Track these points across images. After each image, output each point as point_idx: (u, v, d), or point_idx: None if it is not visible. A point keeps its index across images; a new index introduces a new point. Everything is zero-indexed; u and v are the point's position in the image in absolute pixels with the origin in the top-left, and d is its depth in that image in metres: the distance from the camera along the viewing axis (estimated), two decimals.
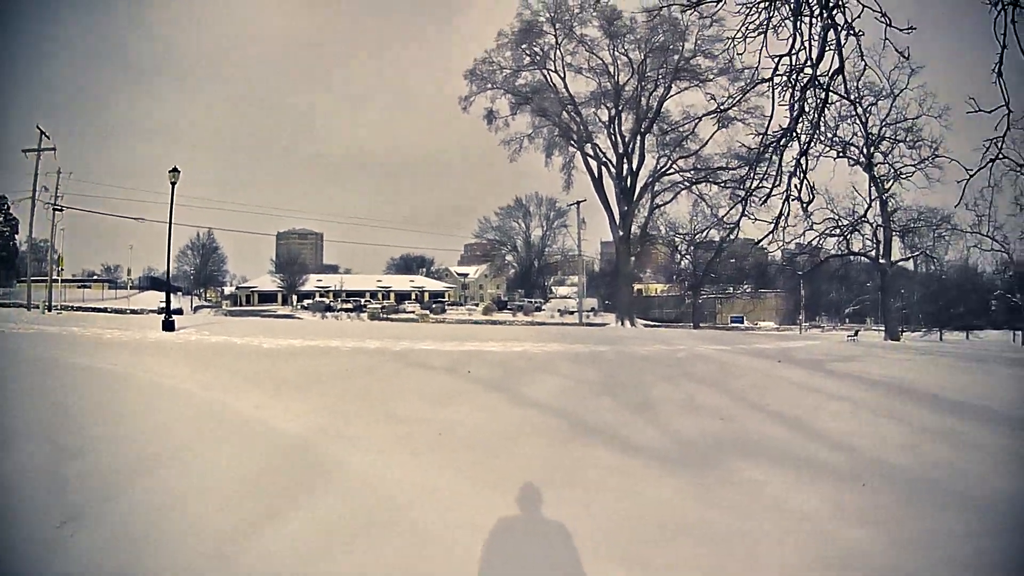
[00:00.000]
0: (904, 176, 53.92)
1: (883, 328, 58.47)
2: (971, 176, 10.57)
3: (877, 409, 14.80)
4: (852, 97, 12.71)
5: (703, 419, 13.14)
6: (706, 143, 61.72)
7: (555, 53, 62.05)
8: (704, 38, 57.78)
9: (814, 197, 12.46)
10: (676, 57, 59.83)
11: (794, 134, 12.61)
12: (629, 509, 8.04)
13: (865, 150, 53.98)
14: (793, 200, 13.13)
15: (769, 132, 12.55)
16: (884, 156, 55.14)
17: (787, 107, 12.44)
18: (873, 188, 54.74)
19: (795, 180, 13.20)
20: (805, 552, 6.82)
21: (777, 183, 13.35)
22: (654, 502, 8.30)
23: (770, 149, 12.76)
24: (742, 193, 13.67)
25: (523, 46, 62.44)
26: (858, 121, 54.61)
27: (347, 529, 7.05)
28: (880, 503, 8.49)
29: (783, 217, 13.45)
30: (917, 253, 63.28)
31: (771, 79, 12.82)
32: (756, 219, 14.06)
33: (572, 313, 69.79)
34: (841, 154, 48.50)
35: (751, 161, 14.01)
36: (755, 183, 13.40)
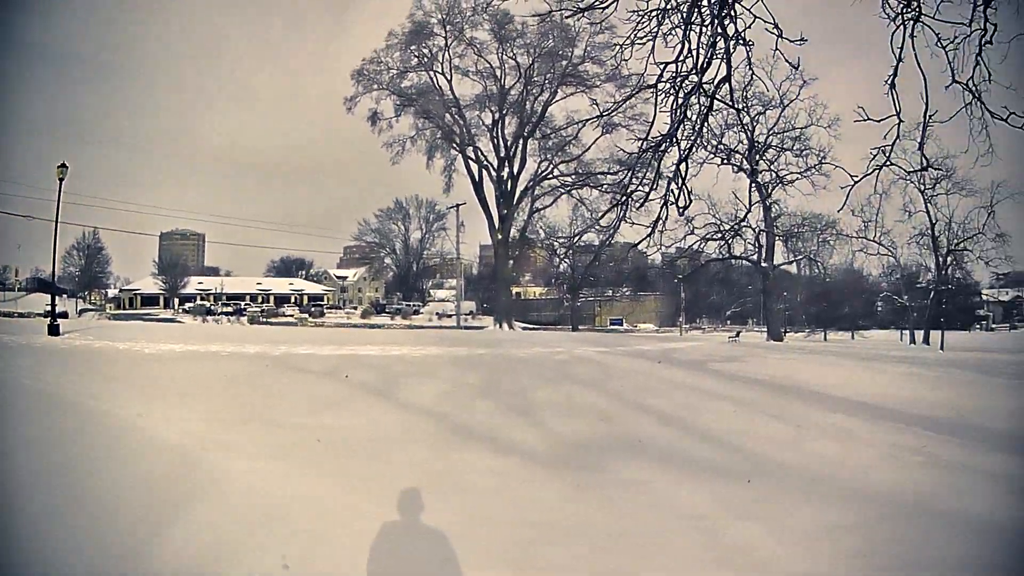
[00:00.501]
0: (789, 183, 56.45)
1: (765, 329, 60.65)
2: (855, 183, 11.04)
3: (760, 407, 15.21)
4: (738, 106, 13.23)
5: (584, 421, 13.26)
6: (588, 148, 62.65)
7: (443, 55, 62.01)
8: (594, 44, 58.55)
9: (691, 202, 12.83)
10: (564, 63, 60.68)
11: (674, 140, 13.09)
12: (511, 511, 7.94)
13: (750, 157, 56.19)
14: (671, 204, 13.64)
15: (650, 138, 12.97)
16: (770, 164, 57.53)
17: (668, 113, 12.92)
18: (756, 194, 57.06)
19: (674, 185, 13.70)
20: (691, 549, 6.84)
21: (654, 187, 13.79)
22: (536, 504, 8.19)
23: (649, 154, 13.18)
24: (623, 198, 14.01)
25: (412, 47, 62.19)
26: (744, 129, 57.15)
27: (231, 539, 6.83)
28: (765, 498, 8.62)
29: (661, 221, 13.82)
30: (800, 257, 66.36)
31: (655, 85, 13.28)
32: (634, 223, 14.45)
33: (450, 316, 69.79)
34: (725, 161, 50.39)
35: (630, 166, 14.39)
36: (634, 187, 13.80)
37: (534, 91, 62.23)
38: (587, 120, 59.93)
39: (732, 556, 6.65)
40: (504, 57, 62.33)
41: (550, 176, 63.73)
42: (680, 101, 12.34)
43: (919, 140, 12.00)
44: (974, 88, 13.63)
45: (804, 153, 56.45)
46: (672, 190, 13.13)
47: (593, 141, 63.00)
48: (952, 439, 12.24)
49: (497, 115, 63.25)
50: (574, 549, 6.90)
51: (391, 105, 64.19)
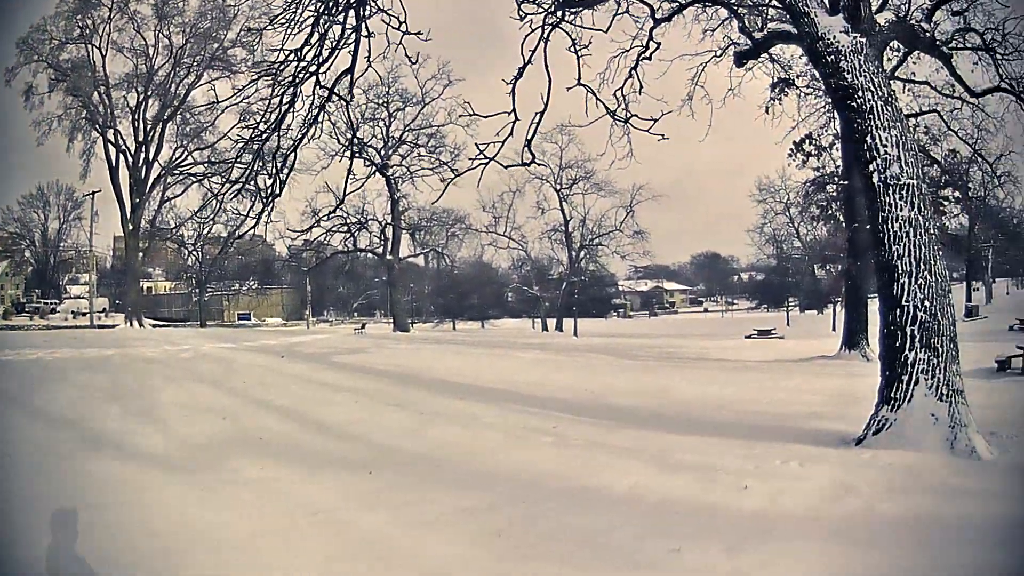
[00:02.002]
0: (420, 178, 58.72)
1: (392, 321, 62.51)
2: (456, 175, 12.05)
3: (382, 397, 15.60)
4: (349, 99, 13.69)
5: (207, 420, 13.10)
6: (223, 136, 60.66)
7: (105, 28, 56.72)
8: (248, 29, 56.69)
9: (280, 193, 13.41)
10: (216, 46, 58.09)
11: (285, 129, 12.98)
12: (135, 522, 7.39)
13: (383, 152, 57.74)
14: (275, 196, 13.90)
15: (264, 126, 13.17)
16: (402, 159, 59.44)
17: (278, 101, 13.17)
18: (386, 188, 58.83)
19: (280, 176, 13.95)
20: (321, 544, 6.72)
21: (251, 175, 14.03)
22: (162, 510, 7.88)
23: (256, 144, 13.37)
24: (253, 188, 14.13)
25: (78, 17, 56.17)
26: (381, 124, 58.45)
27: None
28: (391, 487, 8.64)
29: (267, 212, 14.08)
30: (428, 250, 69.22)
31: (275, 73, 13.53)
32: (246, 215, 14.55)
33: (85, 314, 64.54)
34: (357, 154, 51.22)
35: (238, 154, 14.49)
36: (251, 175, 13.96)
37: (181, 72, 58.97)
38: (214, 103, 57.58)
39: (362, 548, 6.58)
40: (160, 35, 58.46)
41: (184, 164, 60.70)
42: (293, 90, 12.69)
43: (527, 138, 13.35)
44: (623, 97, 15.45)
45: (438, 150, 58.64)
46: (279, 178, 13.61)
47: (229, 128, 61.03)
48: (582, 418, 13.01)
49: (142, 96, 59.11)
50: (202, 557, 6.55)
51: (47, 79, 57.77)
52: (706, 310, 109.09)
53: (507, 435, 11.61)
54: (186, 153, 60.16)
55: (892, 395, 10.09)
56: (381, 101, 58.26)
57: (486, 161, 13.03)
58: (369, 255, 65.90)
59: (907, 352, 9.99)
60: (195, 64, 59.03)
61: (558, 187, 69.56)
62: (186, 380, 18.55)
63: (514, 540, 6.62)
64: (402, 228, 61.33)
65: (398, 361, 23.01)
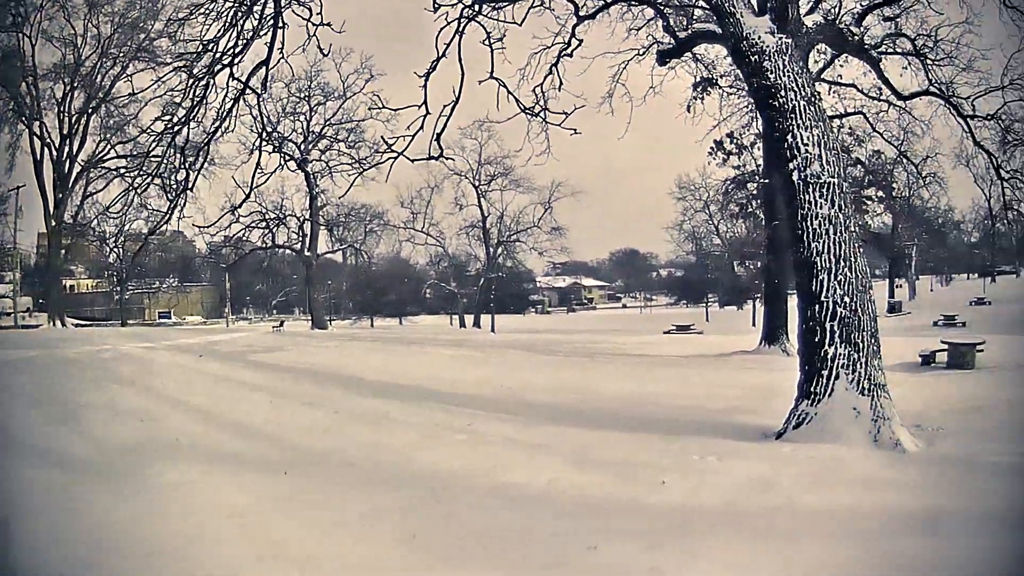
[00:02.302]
0: (338, 173, 58.21)
1: (310, 318, 61.99)
2: (363, 170, 11.96)
3: (297, 396, 15.50)
4: (260, 91, 13.54)
5: (126, 423, 12.75)
6: (145, 130, 59.07)
7: (36, 16, 54.70)
8: (177, 20, 55.03)
9: (191, 186, 13.29)
10: (143, 36, 56.56)
11: (196, 122, 12.88)
12: (53, 528, 7.23)
13: (302, 147, 57.13)
14: (187, 190, 13.75)
15: (174, 120, 12.97)
16: (321, 153, 58.91)
17: (198, 95, 12.93)
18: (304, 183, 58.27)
19: (192, 170, 13.78)
20: (238, 549, 6.59)
21: (164, 169, 13.78)
22: (82, 519, 7.92)
23: (168, 137, 13.18)
24: (175, 185, 13.88)
25: (10, 4, 54.05)
26: (301, 118, 57.83)
27: None
28: (306, 489, 8.52)
29: (179, 207, 13.93)
30: (345, 246, 68.81)
31: (190, 66, 13.23)
32: (167, 211, 14.40)
33: (9, 314, 62.49)
34: (277, 149, 50.66)
35: (150, 148, 14.23)
36: (165, 170, 13.74)
37: (108, 63, 57.30)
38: (132, 95, 56.08)
39: (278, 552, 6.50)
40: (89, 24, 56.69)
41: (107, 157, 59.10)
42: (206, 82, 12.52)
43: (437, 131, 13.22)
44: (542, 93, 15.50)
45: (357, 145, 58.30)
46: (190, 172, 13.41)
47: (153, 122, 59.47)
48: (499, 415, 13.02)
49: (68, 88, 57.33)
50: (120, 563, 6.39)
51: None
52: (624, 306, 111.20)
53: (422, 433, 11.56)
54: (109, 147, 58.69)
55: (812, 389, 10.29)
56: (303, 95, 58.07)
57: (395, 156, 12.99)
58: (287, 252, 65.43)
59: (827, 347, 10.20)
60: (121, 55, 57.66)
61: (477, 183, 70.19)
62: (106, 381, 18.07)
63: (430, 541, 6.57)
64: (320, 224, 60.99)
65: (315, 359, 22.89)
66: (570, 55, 15.23)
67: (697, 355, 26.58)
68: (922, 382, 16.47)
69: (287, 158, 53.83)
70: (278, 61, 12.47)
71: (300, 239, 61.55)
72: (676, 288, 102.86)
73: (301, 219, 61.15)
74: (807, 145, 10.58)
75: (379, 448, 10.68)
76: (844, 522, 6.72)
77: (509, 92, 13.57)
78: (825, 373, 10.18)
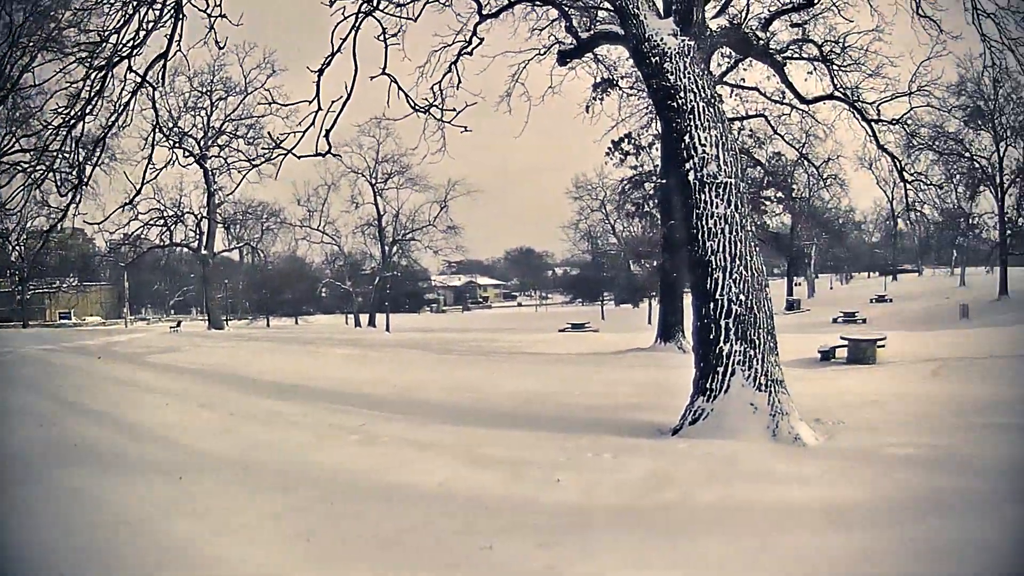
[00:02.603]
0: (236, 170, 57.05)
1: (207, 318, 60.80)
2: (254, 164, 11.85)
3: (193, 397, 15.35)
4: (156, 84, 13.23)
5: (25, 427, 12.44)
6: (45, 123, 56.94)
7: None
8: (84, 8, 53.18)
9: (85, 182, 13.04)
10: (53, 25, 54.44)
11: (90, 115, 12.68)
12: None
13: (202, 143, 55.94)
14: (82, 185, 13.41)
15: (72, 114, 12.68)
16: (221, 149, 57.75)
17: (95, 88, 12.63)
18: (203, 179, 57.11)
19: (88, 166, 13.49)
20: (135, 555, 6.46)
21: (56, 164, 13.47)
22: None
23: (63, 132, 12.85)
24: (72, 179, 13.56)
25: None
26: (202, 113, 56.55)
27: None
28: (202, 492, 8.39)
29: (75, 203, 13.61)
30: (242, 244, 67.65)
31: (90, 57, 12.89)
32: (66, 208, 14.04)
33: None
34: (177, 144, 49.52)
35: (47, 142, 13.89)
36: (58, 164, 13.39)
37: (17, 53, 55.00)
38: (34, 86, 54.02)
39: (173, 558, 6.40)
40: (2, 12, 54.29)
41: (11, 151, 56.90)
42: (103, 74, 12.23)
43: (327, 128, 12.97)
44: (440, 91, 15.38)
45: (256, 141, 57.09)
46: (83, 167, 13.09)
47: (50, 114, 57.46)
48: (392, 415, 13.00)
49: None
50: (24, 572, 6.35)
51: None
52: (520, 305, 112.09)
53: (317, 434, 11.49)
54: (13, 140, 56.58)
55: (708, 386, 10.46)
56: (205, 89, 56.81)
57: (284, 153, 12.82)
58: (185, 250, 64.04)
59: (722, 344, 10.38)
60: (31, 44, 55.61)
61: (373, 181, 69.67)
62: (5, 385, 17.97)
63: (324, 543, 6.53)
64: (217, 222, 59.71)
65: (211, 360, 22.64)
66: (470, 54, 15.28)
67: (593, 353, 26.85)
68: (822, 377, 16.96)
69: (186, 153, 52.60)
70: (175, 53, 12.22)
71: (197, 237, 60.42)
72: (572, 287, 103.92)
73: (199, 216, 60.11)
74: (704, 146, 10.77)
75: (274, 449, 10.58)
76: (744, 516, 6.81)
77: (400, 88, 13.44)
78: (721, 370, 10.36)
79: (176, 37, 11.87)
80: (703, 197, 10.66)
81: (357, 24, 12.33)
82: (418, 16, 13.55)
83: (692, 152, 10.79)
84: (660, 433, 10.72)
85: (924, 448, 9.54)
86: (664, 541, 6.26)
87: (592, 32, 15.23)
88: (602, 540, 6.29)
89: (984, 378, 16.77)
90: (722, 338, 10.39)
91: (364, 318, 72.65)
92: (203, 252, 58.61)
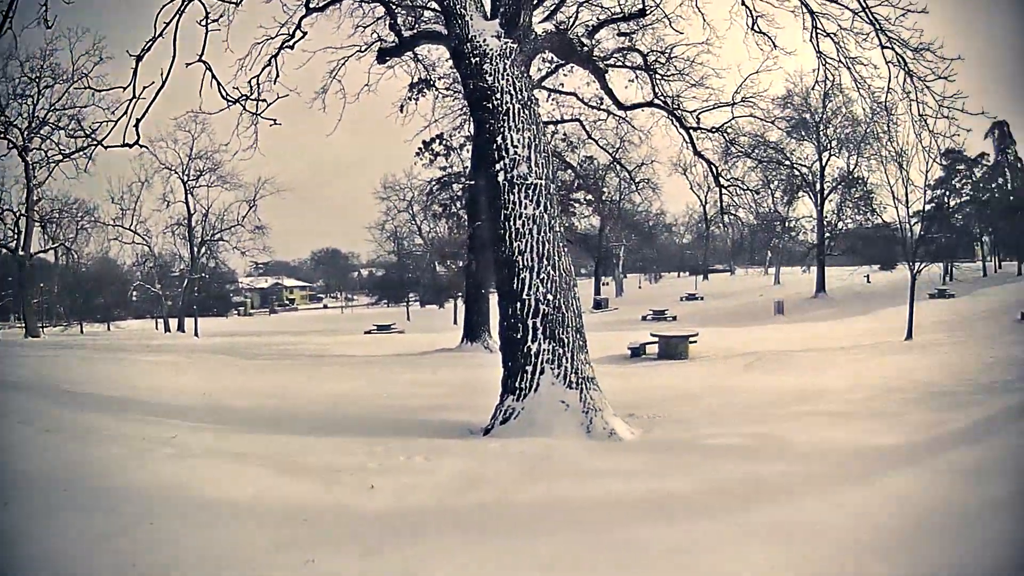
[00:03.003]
0: (55, 163, 53.54)
1: (24, 325, 56.87)
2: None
3: (14, 413, 14.10)
4: None
5: None
6: None
7: None
8: None
9: None
10: None
11: None
12: None
13: (26, 133, 52.19)
14: None
15: None
16: (43, 141, 53.95)
17: None
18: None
19: None
20: None
21: None
22: None
23: None
24: None
25: None
26: (29, 101, 52.72)
27: None
28: (21, 518, 7.52)
29: None
30: (57, 244, 63.67)
31: None
32: None
33: None
34: (3, 135, 46.94)
35: None
36: None
37: None
38: None
39: None
40: None
41: None
42: None
43: (137, 117, 12.34)
44: (258, 85, 14.78)
45: (76, 133, 53.91)
46: None
47: None
48: (203, 425, 12.43)
49: None
50: None
51: None
52: (326, 307, 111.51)
53: (129, 448, 10.68)
54: None
55: (517, 385, 10.53)
56: (34, 76, 52.50)
57: (94, 143, 12.14)
58: (4, 251, 59.55)
59: (530, 343, 10.46)
60: None
61: (185, 178, 67.07)
62: None
63: (151, 566, 6.09)
64: (35, 220, 55.68)
65: (26, 371, 20.91)
66: (291, 47, 14.89)
67: (399, 354, 26.84)
68: (634, 373, 17.40)
69: (9, 145, 49.08)
70: (6, 30, 11.26)
71: (16, 236, 55.93)
72: (377, 288, 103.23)
73: (17, 214, 55.54)
74: (516, 147, 10.85)
75: (89, 466, 9.63)
76: (569, 513, 6.80)
77: (214, 76, 12.90)
78: (530, 369, 10.44)
79: (9, 13, 10.95)
80: (512, 198, 10.73)
81: (182, 7, 11.77)
82: (240, 2, 13.01)
83: (504, 153, 10.85)
84: (471, 433, 10.69)
85: (743, 437, 9.90)
86: (489, 542, 6.16)
87: (415, 31, 15.10)
88: (425, 546, 6.11)
89: (801, 369, 17.71)
90: (530, 337, 10.47)
91: (173, 322, 69.66)
92: (20, 253, 54.42)
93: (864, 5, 14.21)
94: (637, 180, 40.55)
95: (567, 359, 10.46)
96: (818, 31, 15.65)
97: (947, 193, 61.39)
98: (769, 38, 18.00)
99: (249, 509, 7.50)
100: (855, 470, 8.21)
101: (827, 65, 16.34)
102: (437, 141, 35.71)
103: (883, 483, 7.73)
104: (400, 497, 7.56)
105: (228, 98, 13.50)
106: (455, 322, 50.43)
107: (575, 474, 8.19)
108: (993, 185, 65.46)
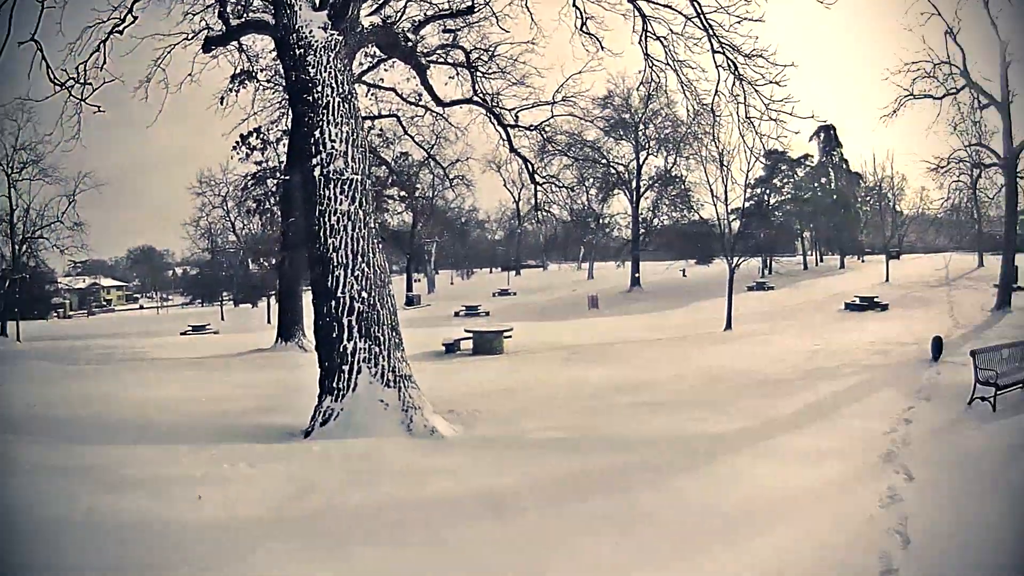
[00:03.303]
0: None
1: None
2: None
3: None
4: None
5: None
6: None
7: None
8: None
9: None
10: None
11: None
12: None
13: None
14: None
15: None
16: None
17: None
18: None
19: None
20: None
21: None
22: None
23: None
24: None
25: None
26: None
27: None
28: None
29: None
30: None
31: None
32: None
33: None
34: None
35: None
36: None
37: None
38: None
39: None
40: None
41: None
42: None
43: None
44: (84, 71, 13.86)
45: None
46: None
47: None
48: (26, 437, 11.18)
49: None
50: None
51: None
52: (142, 307, 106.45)
53: None
54: None
55: (335, 385, 10.35)
56: None
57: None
58: None
59: (346, 342, 10.31)
60: None
61: (9, 171, 62.30)
62: None
63: None
64: None
65: None
66: (121, 32, 13.98)
67: (215, 355, 25.80)
68: (449, 369, 17.35)
69: None
70: None
71: None
72: (192, 287, 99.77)
73: None
74: (335, 142, 10.67)
75: None
76: (403, 515, 6.70)
77: (44, 58, 12.08)
78: (346, 368, 10.28)
79: None
80: (328, 193, 10.54)
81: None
82: None
83: (321, 147, 10.65)
84: (292, 436, 10.36)
85: (568, 430, 10.06)
86: (322, 551, 5.95)
87: (243, 19, 14.51)
88: (261, 557, 5.83)
89: (621, 362, 18.08)
90: (345, 336, 10.32)
91: None
92: None
93: (699, 11, 14.53)
94: (452, 177, 40.47)
95: (384, 357, 10.35)
96: (648, 34, 15.90)
97: (767, 191, 64.03)
98: (597, 39, 18.21)
99: (84, 526, 6.89)
100: (688, 458, 8.47)
101: (654, 67, 16.60)
102: (255, 135, 34.25)
103: (716, 469, 8.04)
104: (228, 507, 7.16)
105: (56, 81, 12.71)
106: (269, 321, 48.80)
107: (401, 475, 8.05)
108: (815, 184, 68.71)
